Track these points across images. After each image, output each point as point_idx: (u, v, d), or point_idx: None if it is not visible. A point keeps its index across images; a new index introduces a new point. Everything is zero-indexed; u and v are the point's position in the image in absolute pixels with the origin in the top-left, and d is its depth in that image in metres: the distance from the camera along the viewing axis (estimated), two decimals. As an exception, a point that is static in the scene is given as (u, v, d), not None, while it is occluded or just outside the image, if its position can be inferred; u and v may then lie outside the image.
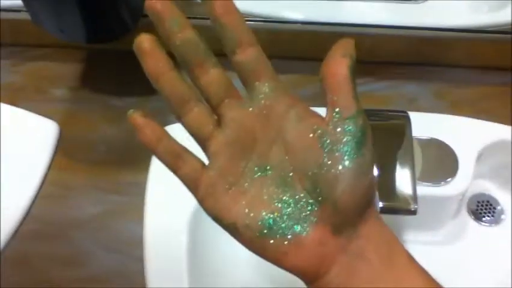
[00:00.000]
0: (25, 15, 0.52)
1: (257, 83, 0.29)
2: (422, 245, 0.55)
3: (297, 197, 0.29)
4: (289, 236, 0.28)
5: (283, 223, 0.29)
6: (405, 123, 0.48)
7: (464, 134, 0.54)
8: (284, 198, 0.29)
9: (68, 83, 0.65)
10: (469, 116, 0.57)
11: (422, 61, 0.63)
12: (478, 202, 0.58)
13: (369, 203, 0.29)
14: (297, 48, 0.63)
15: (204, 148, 0.31)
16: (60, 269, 0.51)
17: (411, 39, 0.61)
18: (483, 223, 0.57)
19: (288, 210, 0.29)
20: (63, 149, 0.59)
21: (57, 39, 0.53)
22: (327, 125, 0.28)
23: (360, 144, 0.28)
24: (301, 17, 0.61)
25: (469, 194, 0.58)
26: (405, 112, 0.50)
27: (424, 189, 0.51)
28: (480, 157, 0.54)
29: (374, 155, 0.29)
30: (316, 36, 0.61)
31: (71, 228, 0.53)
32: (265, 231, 0.29)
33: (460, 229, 0.57)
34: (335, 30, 0.60)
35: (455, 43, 0.61)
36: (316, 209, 0.28)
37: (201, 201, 0.30)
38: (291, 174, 0.29)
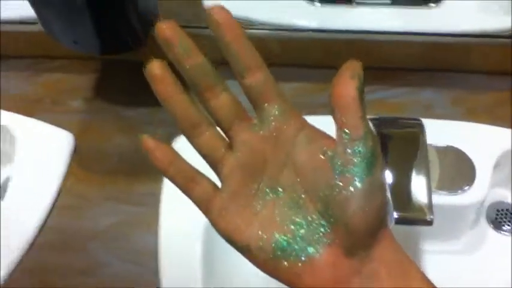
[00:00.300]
0: (40, 27, 0.53)
1: (266, 105, 0.30)
2: (440, 255, 0.54)
3: (309, 218, 0.29)
4: (302, 258, 0.29)
5: (296, 245, 0.29)
6: (419, 131, 0.48)
7: (481, 141, 0.54)
8: (296, 219, 0.29)
9: (82, 94, 0.65)
10: (485, 123, 0.56)
11: (437, 67, 0.63)
12: (498, 211, 0.57)
13: (381, 223, 0.29)
14: (308, 56, 0.62)
15: (216, 171, 0.31)
16: (76, 280, 0.51)
17: (425, 45, 0.60)
18: (503, 232, 0.56)
19: (301, 231, 0.29)
20: (78, 160, 0.59)
21: (71, 50, 0.54)
22: (337, 147, 0.28)
23: (370, 165, 0.28)
24: (312, 24, 0.60)
25: (487, 203, 0.57)
26: (419, 120, 0.49)
27: (441, 198, 0.50)
28: (498, 165, 0.53)
29: (384, 176, 0.29)
30: (328, 44, 0.61)
31: (86, 238, 0.54)
32: (279, 253, 0.29)
33: (479, 238, 0.56)
34: (347, 38, 0.60)
35: (470, 48, 0.60)
36: (328, 230, 0.29)
37: (214, 223, 0.31)
38: (302, 195, 0.29)
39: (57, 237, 0.54)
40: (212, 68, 0.29)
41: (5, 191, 0.57)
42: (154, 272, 0.49)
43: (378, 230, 0.29)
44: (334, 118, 0.28)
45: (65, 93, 0.66)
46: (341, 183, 0.28)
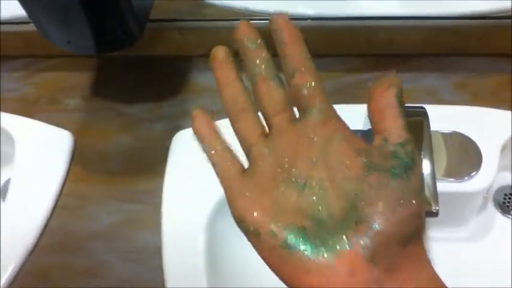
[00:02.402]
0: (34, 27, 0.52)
1: (309, 104, 0.30)
2: (448, 242, 0.54)
3: (332, 216, 0.27)
4: (316, 255, 0.26)
5: (313, 239, 0.26)
6: (423, 120, 0.47)
7: (486, 125, 0.53)
8: (319, 214, 0.27)
9: (80, 92, 0.65)
10: (490, 107, 0.55)
11: (439, 52, 0.62)
12: (505, 195, 0.57)
13: (413, 234, 0.26)
14: (309, 45, 0.61)
15: (247, 154, 0.31)
16: (78, 280, 0.51)
17: (427, 30, 0.60)
18: (511, 216, 0.55)
19: (321, 227, 0.26)
20: (78, 159, 0.59)
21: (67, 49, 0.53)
22: (374, 148, 0.28)
23: (408, 169, 0.26)
24: (311, 12, 0.59)
25: (494, 187, 0.57)
26: (423, 108, 0.48)
27: (448, 186, 0.49)
28: (504, 149, 0.52)
29: (424, 185, 0.27)
30: (330, 32, 0.60)
31: (89, 238, 0.53)
32: (292, 242, 0.26)
33: (488, 223, 0.55)
34: (347, 25, 0.59)
35: (472, 31, 0.59)
36: (352, 231, 0.26)
37: (231, 201, 0.30)
38: (329, 191, 0.28)
39: (58, 238, 0.54)
40: (272, 63, 0.31)
41: (5, 192, 0.56)
42: (158, 270, 0.49)
43: (409, 240, 0.26)
44: (373, 126, 0.28)
45: (62, 92, 0.65)
46: (373, 183, 0.26)
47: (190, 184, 0.53)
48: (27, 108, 0.63)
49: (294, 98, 0.31)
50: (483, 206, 0.55)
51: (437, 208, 0.42)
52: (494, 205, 0.56)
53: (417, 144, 0.35)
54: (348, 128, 0.30)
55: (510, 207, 0.56)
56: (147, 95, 0.63)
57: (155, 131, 0.60)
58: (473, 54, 0.61)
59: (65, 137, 0.60)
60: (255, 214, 0.28)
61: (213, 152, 0.31)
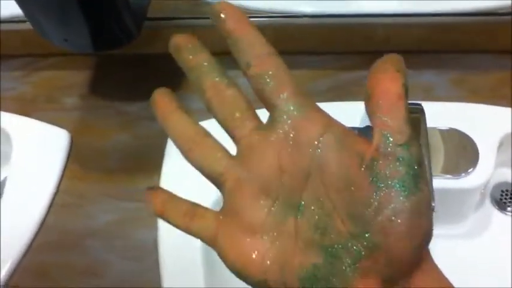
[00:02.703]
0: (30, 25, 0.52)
1: (278, 100, 0.24)
2: (446, 239, 0.53)
3: (341, 243, 0.24)
4: None
5: (326, 277, 0.23)
6: (420, 117, 0.47)
7: (484, 122, 0.53)
8: (325, 245, 0.24)
9: (78, 91, 0.65)
10: (488, 103, 0.55)
11: (437, 49, 0.62)
12: (502, 191, 0.57)
13: (424, 248, 0.24)
14: (306, 43, 0.62)
15: (219, 188, 0.27)
16: (76, 279, 0.51)
17: (425, 27, 0.59)
18: (508, 213, 0.55)
19: (332, 259, 0.23)
20: (75, 158, 0.59)
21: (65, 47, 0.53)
22: (376, 152, 0.23)
23: (416, 177, 0.23)
24: (308, 10, 0.59)
25: (491, 184, 0.56)
26: (420, 105, 0.48)
27: (445, 182, 0.49)
28: (501, 145, 0.52)
29: (431, 191, 0.25)
30: (327, 29, 0.60)
31: (86, 237, 0.53)
32: (306, 286, 0.23)
33: (485, 220, 0.55)
34: (345, 22, 0.59)
35: (470, 28, 0.59)
36: (365, 258, 0.23)
37: (222, 256, 0.26)
38: (331, 214, 0.24)
39: (55, 236, 0.53)
40: (217, 65, 0.27)
41: (2, 191, 0.56)
42: (156, 268, 0.49)
43: (421, 258, 0.24)
44: (372, 118, 0.24)
45: (60, 91, 0.65)
46: (382, 200, 0.23)
47: (186, 182, 0.53)
48: (25, 107, 0.63)
49: (257, 95, 0.25)
50: (480, 203, 0.55)
51: (433, 205, 0.42)
52: (492, 202, 0.56)
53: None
54: (335, 120, 0.25)
55: (507, 204, 0.56)
56: (145, 93, 0.62)
57: (153, 129, 0.60)
58: (472, 51, 0.61)
59: (62, 135, 0.60)
60: (256, 265, 0.24)
61: (181, 217, 0.28)
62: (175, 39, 0.28)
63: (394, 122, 0.23)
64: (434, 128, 0.51)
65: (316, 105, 0.25)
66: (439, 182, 0.45)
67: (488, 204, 0.56)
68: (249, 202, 0.25)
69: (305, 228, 0.24)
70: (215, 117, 0.27)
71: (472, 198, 0.53)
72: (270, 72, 0.25)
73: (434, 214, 0.44)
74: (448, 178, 0.50)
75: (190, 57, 0.27)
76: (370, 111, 0.24)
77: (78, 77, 0.66)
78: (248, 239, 0.25)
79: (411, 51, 0.61)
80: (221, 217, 0.26)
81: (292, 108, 0.24)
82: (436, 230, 0.55)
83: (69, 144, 0.59)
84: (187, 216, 0.27)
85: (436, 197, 0.43)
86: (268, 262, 0.24)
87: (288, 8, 0.59)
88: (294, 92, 0.25)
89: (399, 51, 0.26)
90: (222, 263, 0.26)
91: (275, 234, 0.25)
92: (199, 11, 0.59)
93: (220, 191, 0.27)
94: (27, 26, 0.52)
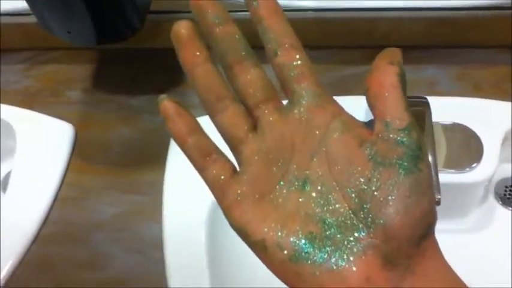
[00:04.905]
0: (34, 19, 0.52)
1: (298, 88, 0.27)
2: (449, 234, 0.53)
3: (340, 217, 0.25)
4: (330, 265, 0.24)
5: (324, 248, 0.24)
6: (425, 110, 0.47)
7: (488, 116, 0.53)
8: (325, 217, 0.25)
9: (81, 84, 0.65)
10: (491, 98, 0.55)
11: (440, 43, 0.62)
12: (506, 187, 0.56)
13: (427, 231, 0.24)
14: (307, 37, 0.61)
15: (236, 153, 0.28)
16: (81, 272, 0.51)
17: (427, 21, 0.59)
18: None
19: (330, 232, 0.24)
20: (79, 151, 0.59)
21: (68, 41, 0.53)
22: (376, 136, 0.25)
23: (416, 158, 0.24)
24: (309, 4, 0.59)
25: (495, 179, 0.56)
26: (425, 98, 0.48)
27: (449, 177, 0.49)
28: (505, 140, 0.52)
29: (434, 175, 0.25)
30: (329, 24, 0.60)
31: (91, 230, 0.53)
32: (301, 254, 0.24)
33: (488, 215, 0.55)
34: (346, 16, 0.59)
35: (472, 22, 0.59)
36: (363, 234, 0.24)
37: (227, 212, 0.27)
38: (334, 190, 0.25)
39: (60, 230, 0.54)
40: (244, 41, 0.27)
41: (7, 184, 0.56)
42: (160, 261, 0.49)
43: (423, 238, 0.24)
44: (372, 108, 0.26)
45: (63, 85, 0.65)
46: (381, 176, 0.24)
47: (191, 176, 0.53)
48: (28, 101, 0.63)
49: (279, 81, 0.27)
50: (484, 198, 0.55)
51: (439, 197, 0.42)
52: (495, 197, 0.56)
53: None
54: (344, 111, 0.27)
55: (511, 199, 0.56)
56: (148, 87, 0.63)
57: (156, 122, 0.60)
58: (473, 45, 0.61)
59: (66, 129, 0.60)
60: (256, 225, 0.26)
61: (198, 157, 0.27)
62: (202, 1, 0.27)
63: (393, 110, 0.25)
64: (437, 123, 0.51)
65: (330, 96, 0.27)
66: (443, 177, 0.45)
67: (491, 199, 0.56)
68: (262, 171, 0.27)
69: (308, 201, 0.26)
70: (238, 93, 0.28)
71: (475, 193, 0.53)
72: (295, 63, 0.27)
73: (438, 208, 0.44)
74: (452, 173, 0.50)
75: (220, 27, 0.27)
76: (370, 104, 0.26)
77: (81, 71, 0.66)
78: (255, 201, 0.26)
79: (413, 46, 0.61)
80: (235, 175, 0.27)
81: (309, 95, 0.27)
82: (440, 225, 0.55)
83: (73, 137, 0.59)
84: (207, 158, 0.27)
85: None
86: (268, 225, 0.25)
87: (292, 2, 0.59)
88: (313, 82, 0.27)
89: (401, 45, 0.27)
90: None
91: (280, 201, 0.26)
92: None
93: (236, 156, 0.28)
94: (30, 19, 0.52)
